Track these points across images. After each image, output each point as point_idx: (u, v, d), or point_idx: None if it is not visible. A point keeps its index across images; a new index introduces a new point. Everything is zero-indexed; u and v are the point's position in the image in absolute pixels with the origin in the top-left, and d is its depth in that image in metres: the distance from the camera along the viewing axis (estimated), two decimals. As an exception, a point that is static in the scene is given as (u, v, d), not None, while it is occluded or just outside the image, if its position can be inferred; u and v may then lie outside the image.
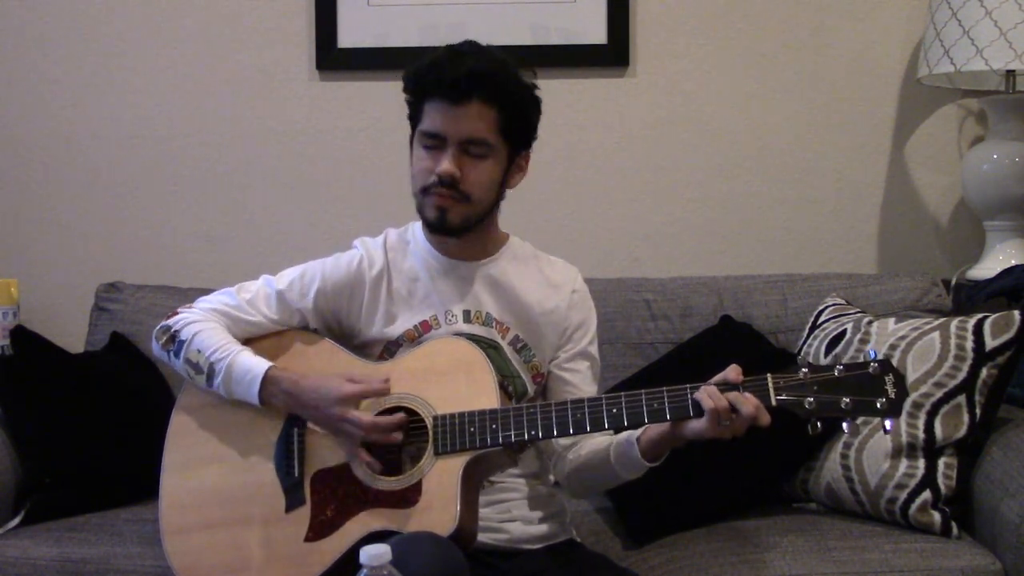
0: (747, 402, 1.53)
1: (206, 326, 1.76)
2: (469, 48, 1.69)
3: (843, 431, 1.60)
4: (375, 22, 2.74)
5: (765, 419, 1.54)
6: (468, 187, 1.69)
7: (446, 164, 1.66)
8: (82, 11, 2.80)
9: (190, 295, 2.39)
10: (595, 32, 2.72)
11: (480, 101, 1.65)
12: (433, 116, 1.68)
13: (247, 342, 1.79)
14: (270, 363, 1.71)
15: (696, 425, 1.57)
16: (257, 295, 1.81)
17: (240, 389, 1.71)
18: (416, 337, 1.77)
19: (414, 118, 1.74)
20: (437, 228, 1.73)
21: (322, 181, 2.80)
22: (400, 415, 1.64)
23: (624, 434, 1.71)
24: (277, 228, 2.81)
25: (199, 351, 1.74)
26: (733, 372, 1.58)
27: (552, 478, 1.88)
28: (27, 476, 2.20)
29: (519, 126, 1.73)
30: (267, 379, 1.70)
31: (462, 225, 1.72)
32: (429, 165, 1.69)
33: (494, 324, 1.78)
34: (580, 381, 1.82)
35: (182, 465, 1.76)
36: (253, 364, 1.71)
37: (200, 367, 1.74)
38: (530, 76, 1.73)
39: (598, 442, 1.76)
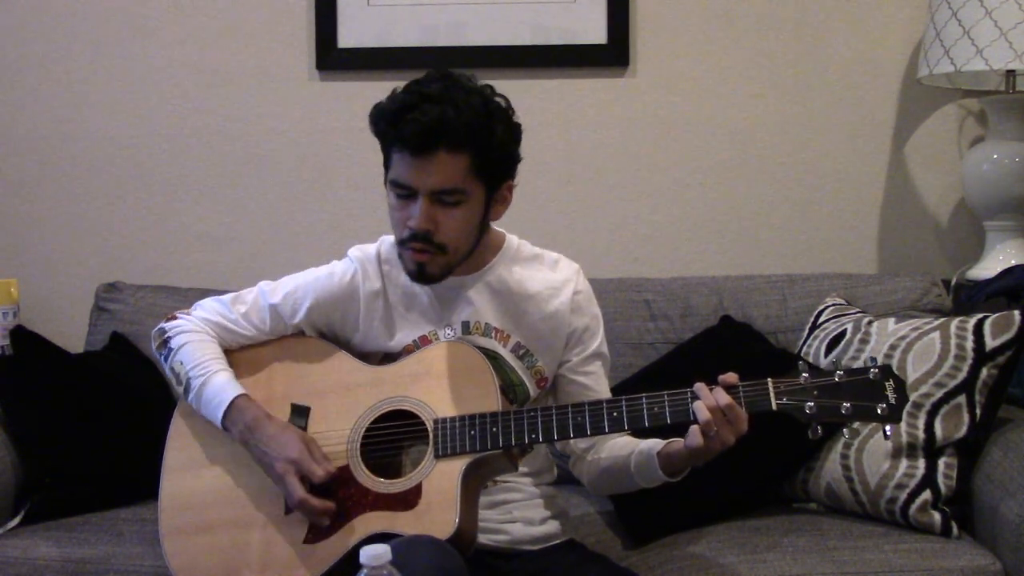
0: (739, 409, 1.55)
1: (196, 338, 1.77)
2: (436, 88, 1.58)
3: (843, 434, 1.60)
4: (375, 22, 2.74)
5: (744, 427, 1.55)
6: (443, 238, 1.63)
7: (417, 220, 1.60)
8: (81, 11, 2.79)
9: (190, 295, 2.41)
10: (595, 32, 2.72)
11: (447, 151, 1.57)
12: (400, 167, 1.61)
13: (246, 349, 1.80)
14: (242, 391, 1.71)
15: (689, 436, 1.57)
16: (251, 307, 1.81)
17: (207, 410, 1.72)
18: (414, 350, 1.75)
19: (384, 159, 1.66)
20: (419, 280, 1.69)
21: (322, 181, 2.80)
22: (330, 504, 1.62)
23: (646, 445, 1.71)
24: (277, 228, 2.81)
25: (182, 362, 1.74)
26: (730, 379, 1.58)
27: (554, 474, 1.88)
28: (27, 476, 2.20)
29: (494, 164, 1.64)
30: (233, 406, 1.69)
31: (442, 275, 1.68)
32: (403, 216, 1.63)
33: (493, 333, 1.77)
34: (595, 382, 1.82)
35: (182, 466, 1.76)
36: (224, 388, 1.71)
37: (180, 378, 1.75)
38: (502, 102, 1.64)
39: (619, 447, 1.76)
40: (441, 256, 1.65)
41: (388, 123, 1.60)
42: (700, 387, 1.56)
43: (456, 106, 1.56)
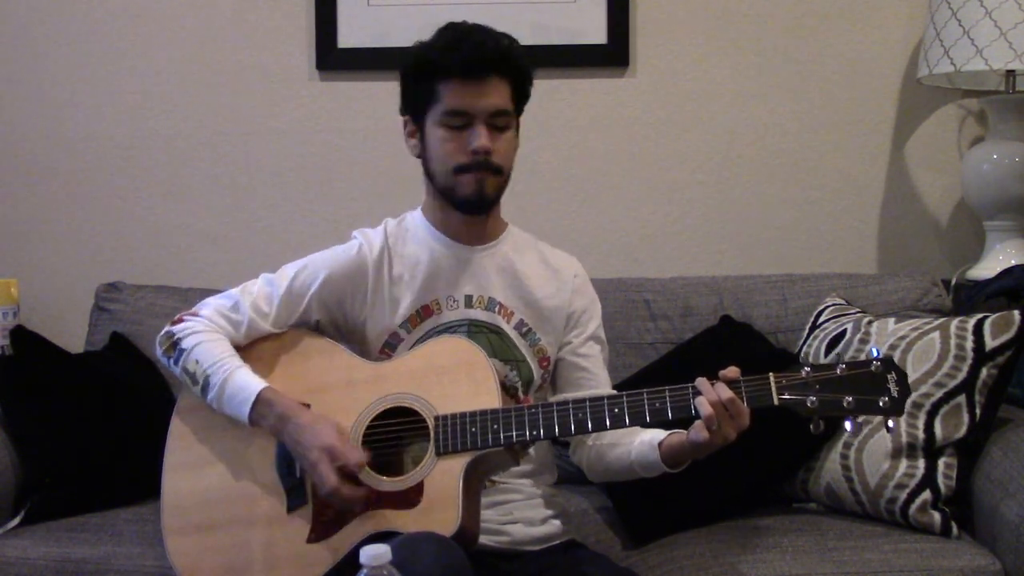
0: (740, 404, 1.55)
1: (209, 337, 1.76)
2: (474, 27, 1.75)
3: (846, 430, 1.60)
4: (375, 22, 2.74)
5: (746, 421, 1.56)
6: (500, 159, 1.73)
7: (483, 140, 1.70)
8: (82, 11, 2.79)
9: (190, 295, 2.41)
10: (595, 32, 2.72)
11: (497, 76, 1.72)
12: (455, 95, 1.71)
13: (250, 346, 1.80)
14: (265, 384, 1.71)
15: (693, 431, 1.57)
16: (258, 297, 1.80)
17: (231, 407, 1.71)
18: (418, 322, 1.77)
19: (423, 102, 1.75)
20: (475, 204, 1.75)
21: (322, 181, 2.80)
22: (362, 491, 1.62)
23: (648, 435, 1.71)
24: (277, 228, 2.81)
25: (197, 362, 1.73)
26: (732, 374, 1.58)
27: (555, 475, 1.89)
28: (27, 476, 2.19)
29: (524, 94, 1.79)
30: (260, 400, 1.69)
31: (495, 198, 1.78)
32: (457, 144, 1.72)
33: (497, 308, 1.79)
34: (593, 365, 1.84)
35: (183, 466, 1.76)
36: (248, 383, 1.70)
37: (196, 378, 1.74)
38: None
39: (620, 434, 1.77)
40: (498, 178, 1.76)
41: (442, 53, 1.72)
42: (702, 382, 1.57)
43: (501, 38, 1.74)
